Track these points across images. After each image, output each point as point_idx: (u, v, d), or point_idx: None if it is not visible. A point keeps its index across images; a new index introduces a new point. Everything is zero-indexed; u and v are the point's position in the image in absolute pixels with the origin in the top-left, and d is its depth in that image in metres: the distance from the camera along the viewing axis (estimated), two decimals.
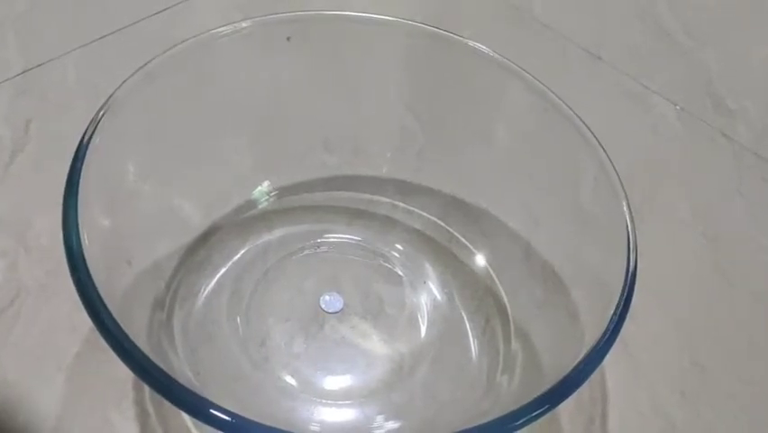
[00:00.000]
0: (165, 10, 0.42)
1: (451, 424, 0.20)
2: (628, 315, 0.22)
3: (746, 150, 0.40)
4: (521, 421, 0.20)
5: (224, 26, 0.29)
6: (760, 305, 0.33)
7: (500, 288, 0.29)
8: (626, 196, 0.25)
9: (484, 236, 0.31)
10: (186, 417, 0.27)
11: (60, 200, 0.23)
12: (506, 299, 0.29)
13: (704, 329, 0.32)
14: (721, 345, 0.31)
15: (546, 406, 0.20)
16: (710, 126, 0.41)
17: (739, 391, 0.30)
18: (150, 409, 0.27)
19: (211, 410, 0.19)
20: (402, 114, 0.32)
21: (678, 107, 0.41)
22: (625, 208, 0.24)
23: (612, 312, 0.21)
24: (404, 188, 0.32)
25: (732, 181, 0.38)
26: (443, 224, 0.31)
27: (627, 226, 0.23)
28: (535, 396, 0.20)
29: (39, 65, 0.38)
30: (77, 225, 0.22)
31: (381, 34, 0.30)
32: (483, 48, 0.29)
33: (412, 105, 0.32)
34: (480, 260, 0.30)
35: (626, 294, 0.22)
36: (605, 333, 0.21)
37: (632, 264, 0.22)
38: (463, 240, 0.31)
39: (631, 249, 0.23)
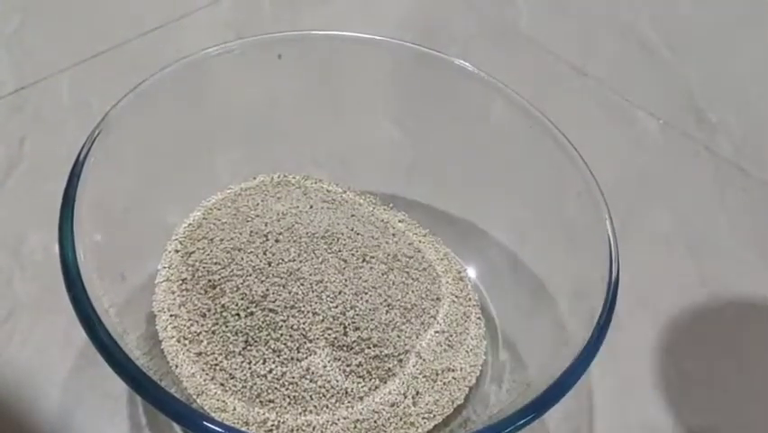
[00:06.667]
0: (158, 28, 0.43)
1: None
2: (614, 325, 0.23)
3: (728, 163, 0.40)
4: (508, 430, 0.20)
5: (216, 46, 0.30)
6: (743, 315, 0.34)
7: (488, 300, 0.30)
8: (609, 210, 0.25)
9: (472, 250, 0.31)
10: (179, 430, 0.27)
11: (54, 217, 0.23)
12: (494, 311, 0.30)
13: (688, 340, 0.32)
14: (705, 355, 0.32)
15: (532, 415, 0.20)
16: (693, 140, 0.42)
17: (725, 399, 0.30)
18: (144, 423, 0.27)
19: (205, 423, 0.20)
20: (391, 130, 0.33)
21: (661, 121, 0.42)
22: (607, 223, 0.24)
23: (596, 322, 0.22)
24: (393, 203, 0.32)
25: (714, 194, 0.39)
26: (432, 238, 0.32)
27: (609, 240, 0.24)
28: (522, 405, 0.21)
29: (32, 83, 0.39)
30: (72, 240, 0.22)
31: (370, 53, 0.31)
32: (468, 66, 0.30)
33: (400, 122, 0.33)
34: (469, 272, 0.31)
35: (608, 305, 0.22)
36: (588, 343, 0.22)
37: (614, 276, 0.23)
38: (452, 253, 0.31)
39: (613, 261, 0.23)
